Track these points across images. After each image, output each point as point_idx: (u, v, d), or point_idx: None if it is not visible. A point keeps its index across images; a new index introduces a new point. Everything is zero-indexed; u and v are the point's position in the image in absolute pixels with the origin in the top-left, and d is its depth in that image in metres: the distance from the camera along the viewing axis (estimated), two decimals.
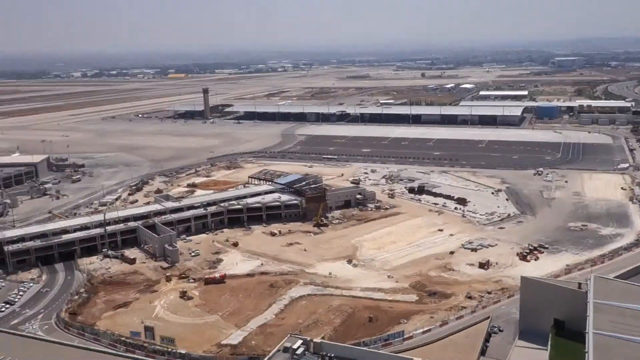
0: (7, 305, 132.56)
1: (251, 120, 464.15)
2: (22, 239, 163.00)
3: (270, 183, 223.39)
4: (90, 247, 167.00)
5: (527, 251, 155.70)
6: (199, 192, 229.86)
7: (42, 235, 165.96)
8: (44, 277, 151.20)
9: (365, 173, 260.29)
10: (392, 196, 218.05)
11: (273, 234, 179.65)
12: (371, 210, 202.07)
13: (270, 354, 79.34)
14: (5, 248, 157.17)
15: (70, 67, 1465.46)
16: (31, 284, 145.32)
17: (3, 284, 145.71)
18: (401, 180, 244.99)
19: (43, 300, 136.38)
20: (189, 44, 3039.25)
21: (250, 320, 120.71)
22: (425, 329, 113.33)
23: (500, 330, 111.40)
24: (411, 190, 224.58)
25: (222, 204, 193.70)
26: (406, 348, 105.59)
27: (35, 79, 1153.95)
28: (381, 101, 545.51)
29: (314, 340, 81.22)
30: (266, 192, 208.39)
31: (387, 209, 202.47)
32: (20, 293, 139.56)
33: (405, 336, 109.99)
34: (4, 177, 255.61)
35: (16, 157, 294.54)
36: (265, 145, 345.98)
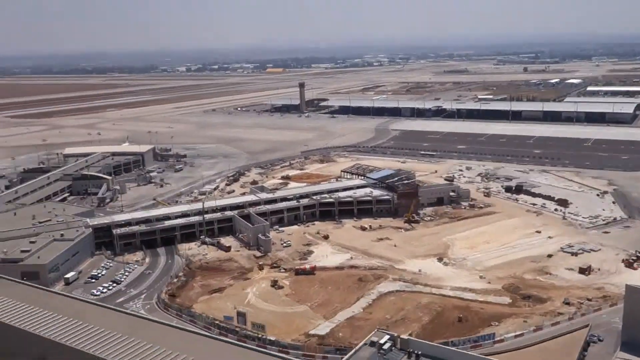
0: (114, 284, 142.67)
1: (345, 115, 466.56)
2: (128, 223, 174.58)
3: (362, 178, 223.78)
4: (189, 234, 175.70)
5: (634, 258, 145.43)
6: (292, 184, 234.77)
7: (147, 221, 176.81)
8: (147, 259, 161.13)
9: (460, 170, 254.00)
10: (487, 195, 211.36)
11: (363, 229, 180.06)
12: (465, 208, 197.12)
13: (357, 347, 79.83)
14: (114, 231, 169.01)
15: (176, 63, 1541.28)
16: (135, 266, 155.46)
17: (111, 264, 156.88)
18: (498, 178, 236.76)
19: (146, 282, 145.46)
20: (288, 39, 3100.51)
21: (338, 313, 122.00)
22: (518, 333, 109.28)
23: (599, 340, 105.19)
24: (508, 189, 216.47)
25: (314, 197, 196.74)
26: (496, 351, 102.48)
27: (144, 74, 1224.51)
28: (479, 96, 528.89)
29: (401, 336, 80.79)
30: (358, 187, 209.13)
31: (481, 207, 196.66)
32: (126, 273, 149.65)
33: (495, 339, 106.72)
34: (115, 165, 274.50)
35: (126, 147, 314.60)
36: (359, 139, 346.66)
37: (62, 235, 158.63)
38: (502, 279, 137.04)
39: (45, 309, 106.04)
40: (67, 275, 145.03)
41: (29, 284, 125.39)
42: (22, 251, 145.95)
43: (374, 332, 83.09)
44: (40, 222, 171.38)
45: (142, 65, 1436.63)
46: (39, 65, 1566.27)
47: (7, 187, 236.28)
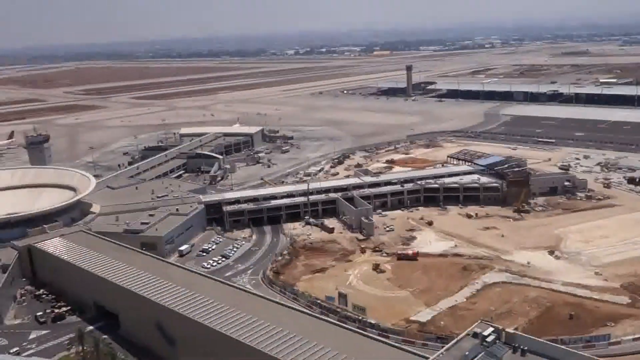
0: (223, 259, 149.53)
1: (453, 99, 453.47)
2: (237, 201, 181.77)
3: (469, 164, 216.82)
4: (294, 214, 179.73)
5: None
6: (396, 168, 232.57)
7: (254, 200, 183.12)
8: (254, 237, 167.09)
9: (577, 159, 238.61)
10: (607, 186, 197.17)
11: (469, 216, 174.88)
12: (581, 199, 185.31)
13: (459, 337, 78.08)
14: (224, 208, 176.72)
15: (285, 46, 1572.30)
16: (243, 242, 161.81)
17: (221, 240, 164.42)
18: (619, 169, 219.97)
19: (252, 258, 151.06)
20: (394, 21, 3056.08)
21: (441, 300, 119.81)
22: (637, 336, 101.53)
23: None
24: (631, 180, 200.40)
25: (419, 182, 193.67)
26: (612, 354, 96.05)
27: (254, 57, 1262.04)
28: (601, 80, 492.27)
29: (507, 330, 77.91)
30: (465, 173, 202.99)
31: (599, 199, 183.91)
32: (234, 249, 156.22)
33: (611, 340, 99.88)
34: (226, 145, 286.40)
35: (236, 128, 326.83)
36: (467, 124, 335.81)
37: (177, 210, 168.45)
38: (621, 276, 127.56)
39: (161, 278, 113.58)
40: (181, 248, 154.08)
41: (148, 253, 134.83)
42: (142, 223, 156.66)
43: (477, 323, 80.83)
44: (158, 197, 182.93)
45: (253, 49, 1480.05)
46: (158, 50, 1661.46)
47: (129, 163, 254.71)
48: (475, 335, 76.53)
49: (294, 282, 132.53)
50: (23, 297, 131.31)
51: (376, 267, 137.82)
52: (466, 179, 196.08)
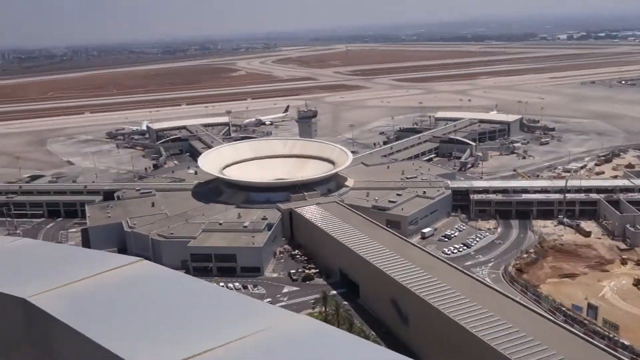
0: (464, 247, 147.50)
1: None
2: (486, 190, 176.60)
3: None
4: (546, 211, 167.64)
5: None
6: None
7: (504, 191, 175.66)
8: (499, 229, 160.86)
9: None
10: None
11: None
12: None
13: None
14: (471, 196, 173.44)
15: (557, 30, 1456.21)
16: (487, 233, 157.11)
17: (464, 228, 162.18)
18: None
19: (495, 251, 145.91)
20: None
21: None
22: None
23: None
24: None
25: None
26: None
27: (521, 42, 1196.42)
28: None
29: None
30: None
31: None
32: (477, 239, 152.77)
33: None
34: (480, 132, 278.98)
35: (493, 115, 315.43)
36: None
37: (424, 192, 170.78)
38: None
39: (401, 256, 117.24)
40: (423, 230, 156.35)
41: (391, 231, 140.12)
42: (390, 201, 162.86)
43: None
44: (407, 178, 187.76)
45: (519, 33, 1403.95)
46: (422, 34, 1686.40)
47: (384, 143, 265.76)
48: None
49: (538, 283, 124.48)
50: (281, 255, 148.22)
51: (638, 283, 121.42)
52: None
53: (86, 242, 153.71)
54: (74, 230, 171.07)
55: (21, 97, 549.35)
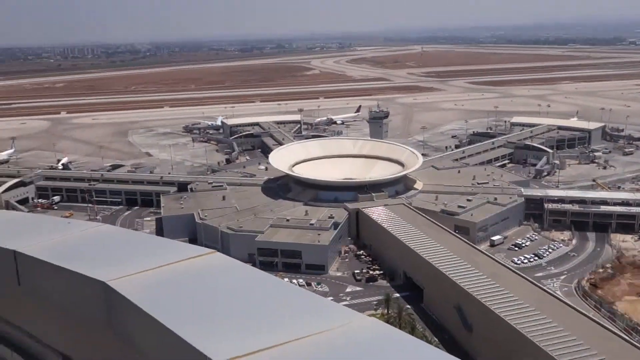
0: (536, 258, 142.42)
1: None
2: (561, 200, 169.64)
3: None
4: (626, 225, 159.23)
5: None
6: None
7: (581, 201, 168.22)
8: (574, 241, 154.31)
9: None
10: None
11: None
12: None
13: None
14: (546, 205, 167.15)
15: None
16: (560, 245, 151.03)
17: (536, 237, 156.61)
18: None
19: (568, 263, 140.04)
20: None
21: None
22: None
23: None
24: None
25: None
26: None
27: (607, 46, 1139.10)
28: None
29: None
30: None
31: None
32: (549, 250, 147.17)
33: None
34: (559, 139, 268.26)
35: (573, 122, 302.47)
36: None
37: (495, 199, 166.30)
38: None
39: (468, 262, 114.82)
40: (493, 238, 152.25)
41: (459, 236, 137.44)
42: (459, 206, 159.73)
43: None
44: (478, 183, 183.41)
45: (606, 37, 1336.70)
46: (501, 36, 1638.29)
47: (456, 147, 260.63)
48: None
49: (613, 300, 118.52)
50: (346, 254, 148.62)
51: None
52: None
53: (159, 231, 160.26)
54: (148, 219, 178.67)
55: (107, 90, 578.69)
